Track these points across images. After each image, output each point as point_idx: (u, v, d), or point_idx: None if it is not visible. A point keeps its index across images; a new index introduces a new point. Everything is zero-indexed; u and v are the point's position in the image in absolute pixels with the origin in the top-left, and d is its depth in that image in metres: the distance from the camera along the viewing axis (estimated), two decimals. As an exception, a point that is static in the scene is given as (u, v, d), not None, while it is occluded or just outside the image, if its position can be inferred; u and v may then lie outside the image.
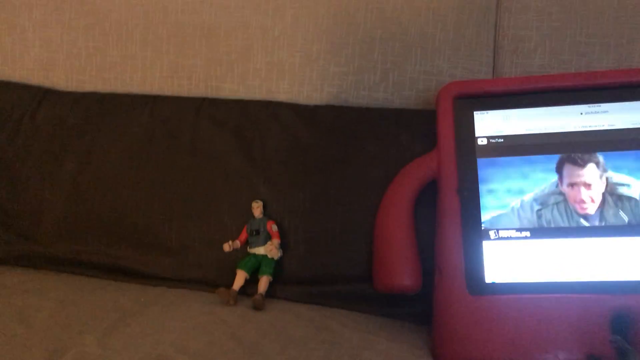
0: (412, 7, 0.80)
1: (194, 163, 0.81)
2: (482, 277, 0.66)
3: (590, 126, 0.69)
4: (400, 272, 0.70)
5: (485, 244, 0.67)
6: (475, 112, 0.72)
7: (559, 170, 0.68)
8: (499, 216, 0.68)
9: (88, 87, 0.88)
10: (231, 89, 0.84)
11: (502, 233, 0.67)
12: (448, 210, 0.69)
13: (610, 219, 0.65)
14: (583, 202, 0.66)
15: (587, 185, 0.67)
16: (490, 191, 0.69)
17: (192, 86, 0.86)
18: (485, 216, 0.68)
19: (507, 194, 0.68)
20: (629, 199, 0.65)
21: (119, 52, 0.87)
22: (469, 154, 0.71)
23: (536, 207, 0.67)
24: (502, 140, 0.70)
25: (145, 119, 0.83)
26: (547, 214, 0.67)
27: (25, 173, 0.85)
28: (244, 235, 0.77)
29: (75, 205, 0.83)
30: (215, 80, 0.85)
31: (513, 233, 0.67)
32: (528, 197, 0.67)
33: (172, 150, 0.82)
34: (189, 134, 0.83)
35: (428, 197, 0.73)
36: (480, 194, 0.69)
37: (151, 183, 0.81)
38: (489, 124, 0.71)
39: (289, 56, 0.83)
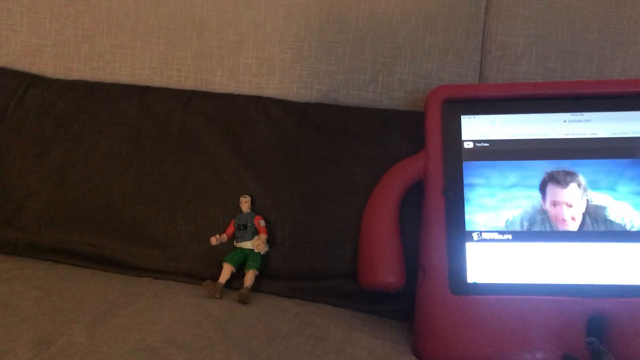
0: (403, 9, 0.81)
1: (182, 156, 0.81)
2: (464, 277, 0.68)
3: (573, 134, 0.71)
4: (384, 269, 0.72)
5: (468, 245, 0.69)
6: (462, 116, 0.74)
7: (543, 189, 0.70)
8: (482, 218, 0.69)
9: (76, 75, 0.87)
10: (221, 83, 0.85)
11: (485, 235, 0.69)
12: (433, 210, 0.71)
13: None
14: (564, 221, 0.68)
15: (569, 205, 0.69)
16: (475, 194, 0.70)
17: (181, 78, 0.86)
18: (469, 218, 0.70)
19: (490, 197, 0.70)
20: (605, 221, 0.68)
21: (109, 42, 0.87)
22: (455, 157, 0.72)
23: (526, 224, 0.69)
24: (488, 144, 0.72)
25: (134, 110, 0.83)
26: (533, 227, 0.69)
27: (11, 160, 0.84)
28: (231, 229, 0.78)
29: (61, 194, 0.82)
30: (205, 74, 0.85)
31: (495, 235, 0.69)
32: (517, 213, 0.69)
33: (160, 143, 0.82)
34: (178, 126, 0.83)
35: (414, 197, 0.74)
36: (464, 196, 0.71)
37: (139, 174, 0.81)
38: (476, 128, 0.73)
39: (280, 52, 0.83)
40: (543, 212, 0.69)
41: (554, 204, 0.69)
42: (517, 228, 0.69)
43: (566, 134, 0.71)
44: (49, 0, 0.87)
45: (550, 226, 0.68)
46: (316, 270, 0.77)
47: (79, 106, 0.85)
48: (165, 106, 0.84)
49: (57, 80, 0.87)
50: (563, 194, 0.69)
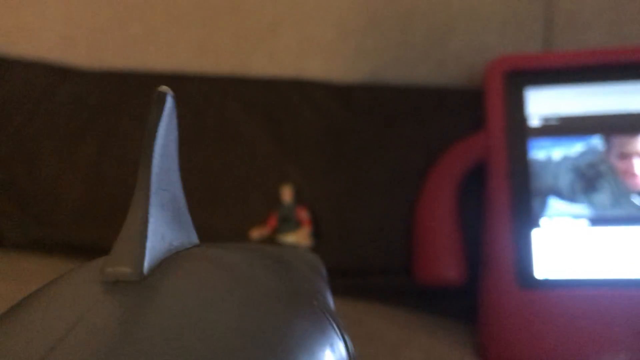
0: (456, -23, 0.74)
1: (220, 145, 0.76)
2: (532, 270, 0.60)
3: (657, 105, 0.62)
4: (443, 263, 0.65)
5: (537, 232, 0.61)
6: (527, 90, 0.66)
7: (607, 137, 0.61)
8: (552, 202, 0.61)
9: (110, 64, 0.83)
10: (260, 66, 0.79)
11: (554, 221, 0.61)
12: (496, 195, 0.63)
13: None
14: (637, 176, 0.60)
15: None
16: (543, 175, 0.62)
17: (218, 64, 0.81)
18: (537, 203, 0.62)
19: (560, 179, 0.62)
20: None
21: (142, 28, 0.82)
22: (519, 135, 0.65)
23: (582, 183, 0.60)
24: (557, 120, 0.64)
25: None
26: (598, 196, 0.60)
27: (44, 155, 0.81)
28: (273, 221, 0.72)
29: (95, 189, 0.79)
30: (242, 57, 0.80)
31: (567, 221, 0.61)
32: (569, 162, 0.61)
33: (197, 133, 0.78)
34: (215, 115, 0.78)
35: (474, 182, 0.67)
36: (531, 179, 0.63)
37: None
38: (542, 102, 0.65)
39: (321, 30, 0.77)
40: (607, 166, 0.60)
41: (623, 156, 0.60)
42: (593, 211, 0.60)
43: (649, 105, 0.63)
44: (81, -12, 0.83)
45: (618, 184, 0.60)
46: (366, 266, 0.71)
47: (111, 98, 0.81)
48: (201, 94, 0.79)
49: (89, 71, 0.83)
50: (634, 143, 0.60)
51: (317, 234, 0.72)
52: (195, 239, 0.28)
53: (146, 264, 0.22)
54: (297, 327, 0.22)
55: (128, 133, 0.80)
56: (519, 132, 0.65)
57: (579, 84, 0.64)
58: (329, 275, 0.70)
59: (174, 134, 0.26)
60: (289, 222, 0.71)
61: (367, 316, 0.65)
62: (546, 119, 0.64)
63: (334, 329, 0.25)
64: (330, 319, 0.25)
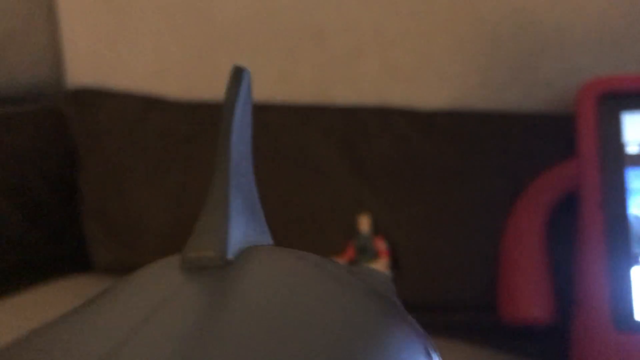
0: (546, -4, 0.70)
1: (298, 174, 0.76)
2: (632, 311, 0.54)
3: None
4: (530, 300, 0.60)
5: (635, 270, 0.55)
6: (623, 114, 0.60)
7: None
8: (655, 237, 0.56)
9: (197, 95, 0.85)
10: (341, 94, 0.78)
11: (658, 258, 0.55)
12: (589, 228, 0.58)
13: None
14: None
15: None
16: (643, 207, 0.57)
17: (300, 92, 0.80)
18: (635, 237, 0.56)
19: (665, 211, 0.56)
20: None
21: (228, 59, 0.84)
22: (615, 163, 0.59)
23: None
24: (659, 146, 0.59)
25: (252, 128, 0.79)
26: None
27: (132, 183, 0.83)
28: (350, 252, 0.70)
29: (179, 216, 0.80)
30: (324, 86, 0.79)
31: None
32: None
33: (276, 162, 0.77)
34: (295, 144, 0.78)
35: (565, 213, 0.62)
36: (628, 210, 0.57)
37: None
38: (642, 126, 0.60)
39: (404, 56, 0.75)
40: None
41: None
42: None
43: None
44: (171, 20, 0.86)
45: None
46: (447, 301, 0.67)
47: (197, 128, 0.83)
48: (281, 123, 0.79)
49: (177, 102, 0.85)
50: None
51: (395, 265, 0.69)
52: (269, 239, 0.26)
53: (230, 249, 0.21)
54: (398, 333, 0.20)
55: (211, 162, 0.81)
56: (615, 159, 0.59)
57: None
58: (409, 309, 0.67)
59: (248, 117, 0.24)
60: (366, 253, 0.69)
61: (449, 356, 0.61)
62: (646, 145, 0.59)
63: (427, 342, 0.22)
64: (420, 330, 0.23)
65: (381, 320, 0.20)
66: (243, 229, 0.22)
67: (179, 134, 0.84)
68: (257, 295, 0.18)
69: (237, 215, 0.22)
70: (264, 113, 0.80)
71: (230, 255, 0.20)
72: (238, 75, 0.23)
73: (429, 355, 0.21)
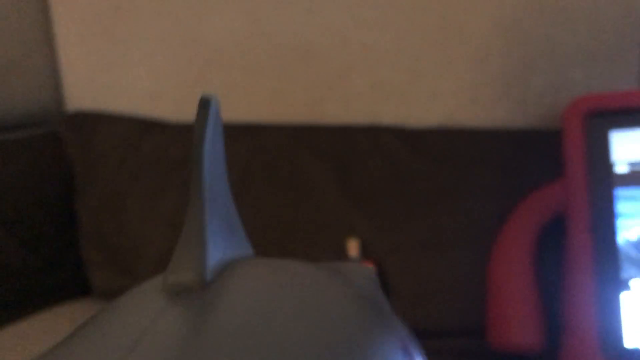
0: (534, 9, 0.68)
1: (290, 195, 0.75)
2: (620, 338, 0.53)
3: None
4: (518, 327, 0.59)
5: (625, 296, 0.53)
6: (611, 132, 0.58)
7: None
8: (643, 262, 0.54)
9: (192, 117, 0.85)
10: (333, 113, 0.77)
11: (647, 284, 0.53)
12: (578, 252, 0.56)
13: None
14: None
15: None
16: (631, 230, 0.55)
17: (292, 112, 0.80)
18: (625, 261, 0.54)
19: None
20: None
21: (221, 82, 0.84)
22: (604, 183, 0.57)
23: None
24: (648, 166, 0.56)
25: (244, 150, 0.79)
26: None
27: (128, 206, 0.83)
28: (339, 276, 0.69)
29: (174, 240, 0.80)
30: (315, 105, 0.78)
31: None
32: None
33: (269, 183, 0.77)
34: (287, 165, 0.77)
35: (553, 236, 0.60)
36: (617, 233, 0.55)
37: (246, 217, 0.76)
38: (630, 146, 0.57)
39: (394, 74, 0.74)
40: None
41: None
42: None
43: None
44: (165, 45, 0.86)
45: None
46: (440, 326, 0.66)
47: (190, 150, 0.83)
48: (274, 144, 0.78)
49: (172, 124, 0.85)
50: None
51: (385, 290, 0.68)
52: (250, 252, 0.27)
53: (208, 271, 0.21)
54: (375, 336, 0.21)
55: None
56: (603, 180, 0.57)
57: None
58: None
59: (220, 141, 0.25)
60: (354, 278, 0.68)
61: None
62: (634, 165, 0.57)
63: (407, 341, 0.23)
64: (401, 329, 0.24)
65: (360, 326, 0.21)
66: (222, 247, 0.23)
67: (174, 157, 0.84)
68: (236, 317, 0.19)
69: (214, 235, 0.23)
70: (258, 133, 0.80)
71: (209, 276, 0.21)
72: (205, 105, 0.24)
73: (409, 354, 0.22)
